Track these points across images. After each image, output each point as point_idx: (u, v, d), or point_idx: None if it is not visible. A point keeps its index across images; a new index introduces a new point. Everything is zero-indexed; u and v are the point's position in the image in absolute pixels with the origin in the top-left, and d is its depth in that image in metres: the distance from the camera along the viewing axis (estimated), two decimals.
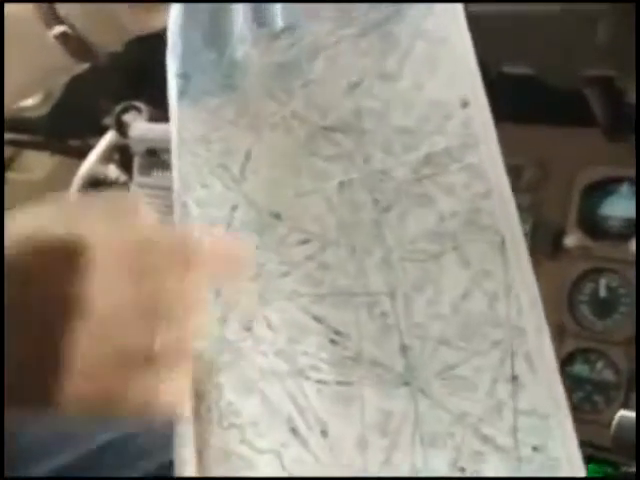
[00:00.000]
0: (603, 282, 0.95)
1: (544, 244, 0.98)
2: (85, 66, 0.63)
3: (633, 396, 0.91)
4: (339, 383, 0.51)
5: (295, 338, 0.53)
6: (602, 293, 0.95)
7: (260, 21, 0.54)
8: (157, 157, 0.87)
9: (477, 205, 0.47)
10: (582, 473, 0.45)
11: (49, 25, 0.60)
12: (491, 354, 0.47)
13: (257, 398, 0.54)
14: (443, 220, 0.48)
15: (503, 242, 0.47)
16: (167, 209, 0.93)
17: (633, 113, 0.90)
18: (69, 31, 0.60)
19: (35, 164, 1.46)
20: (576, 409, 0.91)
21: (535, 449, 0.46)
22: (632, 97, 0.88)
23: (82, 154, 1.07)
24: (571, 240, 0.96)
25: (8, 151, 1.45)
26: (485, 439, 0.47)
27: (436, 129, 0.48)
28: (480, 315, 0.47)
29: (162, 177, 0.87)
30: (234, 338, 0.55)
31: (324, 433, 0.51)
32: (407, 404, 0.49)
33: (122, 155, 0.99)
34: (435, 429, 0.48)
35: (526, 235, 0.96)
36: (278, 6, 0.53)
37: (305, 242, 0.52)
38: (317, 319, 0.52)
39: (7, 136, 1.36)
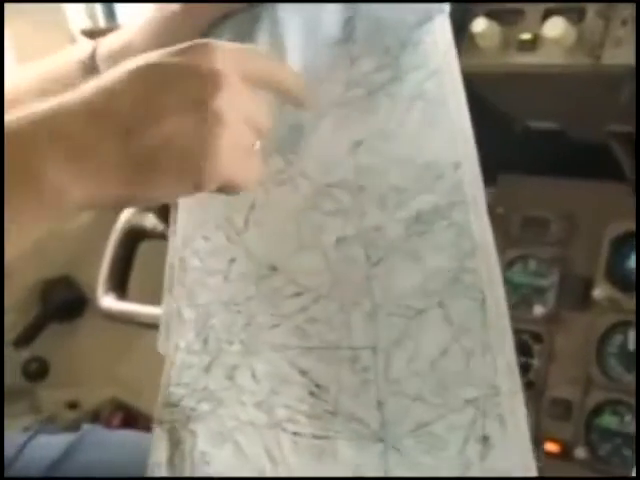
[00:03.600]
0: (632, 335, 0.96)
1: (572, 296, 0.98)
2: None
3: None
4: (315, 437, 0.51)
5: (276, 389, 0.53)
6: (631, 346, 0.95)
7: None
8: None
9: (462, 263, 0.48)
10: None
11: None
12: (464, 412, 0.47)
13: (231, 449, 0.54)
14: (429, 277, 0.49)
15: (484, 301, 0.48)
16: None
17: None
18: None
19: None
20: (604, 462, 0.91)
21: None
22: None
23: None
24: (600, 292, 0.96)
25: None
26: None
27: (427, 188, 0.50)
28: (456, 373, 0.48)
29: None
30: (216, 387, 0.55)
31: None
32: (379, 460, 0.49)
33: (161, 205, 1.02)
34: None
35: (554, 287, 0.99)
36: (295, 69, 0.55)
37: (298, 295, 0.53)
38: (302, 372, 0.52)
39: None
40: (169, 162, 0.43)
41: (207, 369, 0.56)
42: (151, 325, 0.96)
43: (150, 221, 1.05)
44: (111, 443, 0.77)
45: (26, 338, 1.43)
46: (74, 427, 1.37)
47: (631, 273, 0.97)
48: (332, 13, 0.54)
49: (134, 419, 1.44)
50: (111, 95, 0.43)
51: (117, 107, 0.42)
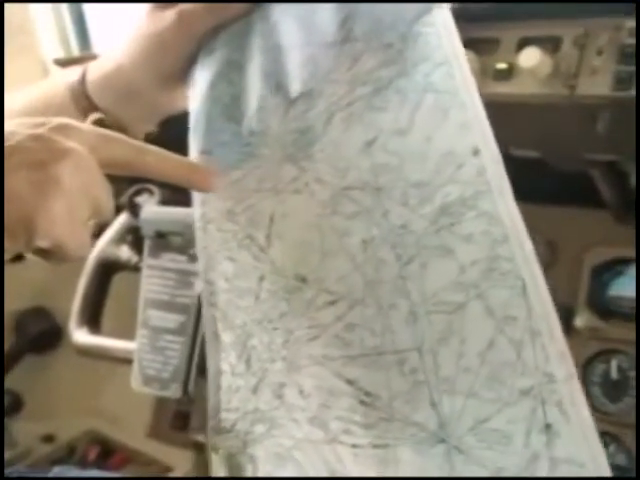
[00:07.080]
0: (614, 364, 0.94)
1: None
2: None
3: None
4: (374, 446, 0.51)
5: (327, 403, 0.52)
6: (613, 375, 0.94)
7: (278, 86, 0.55)
8: (166, 240, 0.88)
9: (496, 252, 0.48)
10: None
11: (85, 113, 0.62)
12: (522, 403, 0.46)
13: (292, 468, 0.53)
14: (464, 270, 0.48)
15: (524, 287, 0.47)
16: (174, 291, 0.94)
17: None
18: (104, 117, 0.62)
19: None
20: None
21: None
22: (634, 181, 0.88)
23: (97, 234, 1.08)
24: (581, 321, 0.95)
25: None
26: None
27: (449, 179, 0.49)
28: (507, 364, 0.47)
29: (171, 259, 0.88)
30: (266, 408, 0.54)
31: None
32: (443, 462, 0.48)
33: (135, 236, 1.00)
34: None
35: None
36: (297, 71, 0.55)
37: (332, 303, 0.52)
38: (348, 382, 0.52)
39: None
40: (5, 216, 0.45)
41: (254, 390, 0.55)
42: (124, 360, 0.94)
43: (124, 253, 1.03)
44: None
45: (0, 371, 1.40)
46: (50, 461, 1.35)
47: (612, 301, 0.96)
48: (326, 14, 0.54)
49: (111, 452, 1.42)
50: None
51: None
